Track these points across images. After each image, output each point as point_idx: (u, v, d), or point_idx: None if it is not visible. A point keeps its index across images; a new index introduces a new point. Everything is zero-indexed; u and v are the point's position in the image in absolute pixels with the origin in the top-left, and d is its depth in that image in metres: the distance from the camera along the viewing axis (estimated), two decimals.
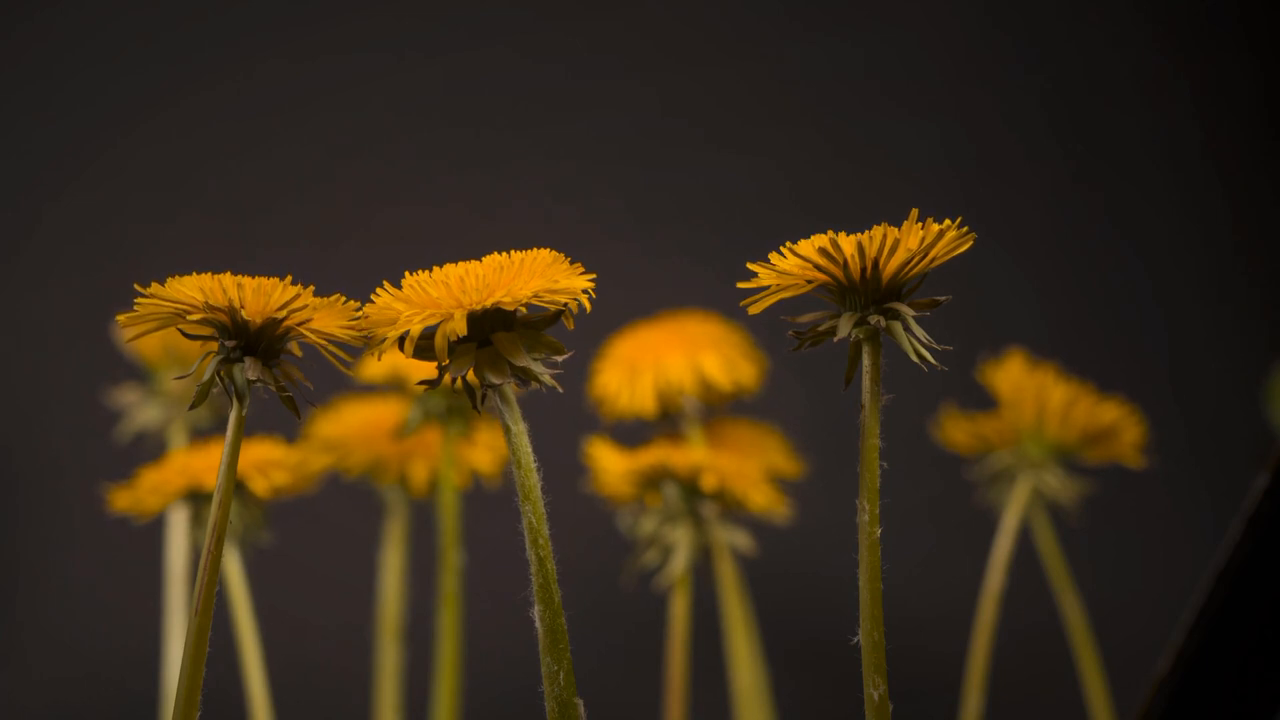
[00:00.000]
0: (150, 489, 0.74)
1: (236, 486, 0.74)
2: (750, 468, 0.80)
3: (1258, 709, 0.68)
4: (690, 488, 0.79)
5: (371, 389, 0.86)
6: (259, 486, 0.74)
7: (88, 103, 1.15)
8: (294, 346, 0.54)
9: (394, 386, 0.84)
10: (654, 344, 0.86)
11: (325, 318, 0.54)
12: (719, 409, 0.89)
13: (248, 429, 0.63)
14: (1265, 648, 0.68)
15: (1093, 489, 0.83)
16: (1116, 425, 0.81)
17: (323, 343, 0.54)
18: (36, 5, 1.15)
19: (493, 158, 1.17)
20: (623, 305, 0.90)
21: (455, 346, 0.54)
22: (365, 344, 0.54)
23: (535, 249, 0.55)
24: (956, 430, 0.84)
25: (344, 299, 0.55)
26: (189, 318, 0.53)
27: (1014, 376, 0.81)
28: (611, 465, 0.80)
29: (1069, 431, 0.81)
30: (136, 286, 0.53)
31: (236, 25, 1.16)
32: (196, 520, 0.75)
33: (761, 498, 0.79)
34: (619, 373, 0.86)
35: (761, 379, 0.87)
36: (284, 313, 0.53)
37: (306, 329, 0.53)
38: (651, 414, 0.85)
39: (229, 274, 0.53)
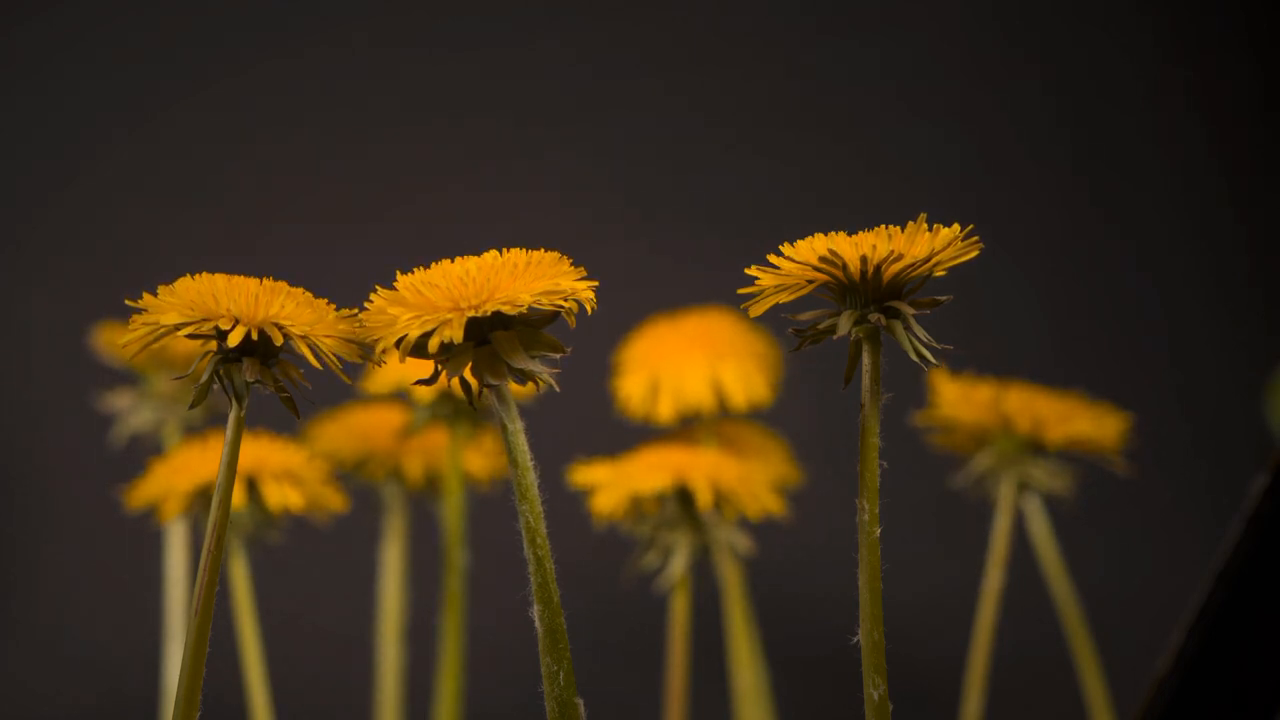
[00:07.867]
0: (165, 492, 0.74)
1: (250, 486, 0.74)
2: (751, 473, 0.79)
3: (1258, 709, 0.68)
4: (687, 496, 0.78)
5: (373, 398, 0.86)
6: (272, 495, 0.74)
7: (85, 102, 1.15)
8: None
9: (398, 395, 0.83)
10: (676, 349, 0.85)
11: (324, 328, 0.53)
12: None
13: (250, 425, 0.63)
14: (1265, 648, 0.68)
15: (1085, 476, 0.83)
16: (1091, 431, 0.80)
17: (318, 364, 0.53)
18: (36, 5, 1.15)
19: (497, 157, 1.17)
20: (642, 301, 0.90)
21: (453, 345, 0.53)
22: (364, 358, 0.54)
23: (540, 250, 0.54)
24: (947, 432, 0.83)
25: (351, 310, 0.54)
26: (182, 331, 0.53)
27: (957, 394, 0.80)
28: (603, 487, 0.79)
29: (1041, 429, 0.80)
30: (128, 302, 0.53)
31: (236, 24, 1.16)
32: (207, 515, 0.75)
33: (760, 507, 0.79)
34: (640, 380, 0.85)
35: (775, 394, 0.86)
36: (277, 334, 0.52)
37: (300, 337, 0.53)
38: (669, 424, 0.85)
39: (222, 277, 0.53)
